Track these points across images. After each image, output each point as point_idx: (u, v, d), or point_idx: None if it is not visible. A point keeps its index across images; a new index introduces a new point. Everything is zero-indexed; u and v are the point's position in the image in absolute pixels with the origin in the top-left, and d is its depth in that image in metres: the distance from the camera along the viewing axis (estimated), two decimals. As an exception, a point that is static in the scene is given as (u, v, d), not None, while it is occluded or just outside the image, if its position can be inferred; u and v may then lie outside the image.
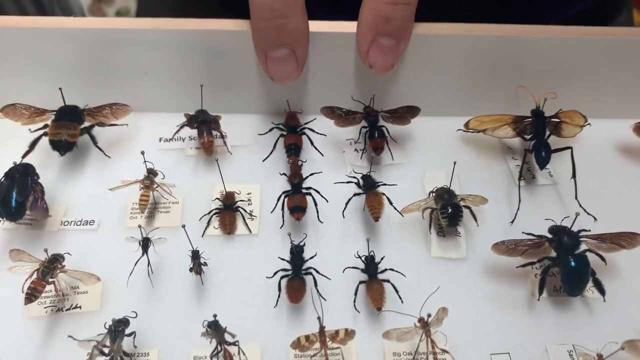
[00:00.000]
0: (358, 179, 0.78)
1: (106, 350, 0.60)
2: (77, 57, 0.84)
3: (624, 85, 0.89)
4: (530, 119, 0.83)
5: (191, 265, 0.70)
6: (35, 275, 0.66)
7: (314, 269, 0.71)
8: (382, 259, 0.72)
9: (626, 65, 0.86)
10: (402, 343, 0.65)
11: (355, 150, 0.87)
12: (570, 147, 0.80)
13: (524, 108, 0.84)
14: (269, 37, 0.72)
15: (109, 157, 0.84)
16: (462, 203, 0.76)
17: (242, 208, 0.78)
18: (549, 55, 0.85)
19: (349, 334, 0.62)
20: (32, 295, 0.64)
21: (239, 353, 0.61)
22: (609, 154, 0.88)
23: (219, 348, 0.61)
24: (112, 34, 0.82)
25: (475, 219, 0.76)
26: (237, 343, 0.61)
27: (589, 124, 0.84)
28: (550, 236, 0.71)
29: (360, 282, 0.70)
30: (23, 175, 0.74)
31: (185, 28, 0.81)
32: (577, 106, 0.84)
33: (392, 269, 0.71)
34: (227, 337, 0.61)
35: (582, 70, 0.87)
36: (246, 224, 0.77)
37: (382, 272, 0.71)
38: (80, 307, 0.70)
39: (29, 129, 0.84)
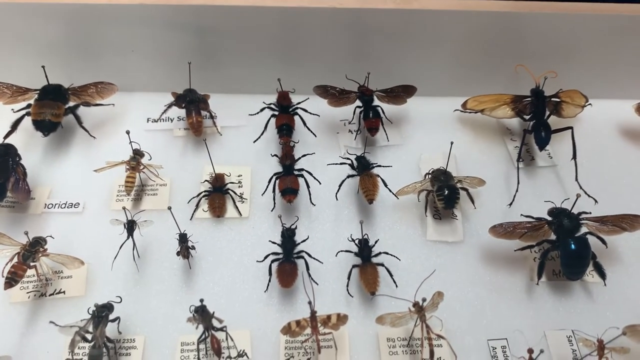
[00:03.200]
0: (352, 161, 0.76)
1: (89, 336, 0.58)
2: (61, 34, 0.81)
3: (627, 64, 0.87)
4: (529, 99, 0.81)
5: (179, 249, 0.67)
6: (15, 259, 0.63)
7: (305, 252, 0.69)
8: (376, 242, 0.70)
9: (630, 44, 0.84)
10: (397, 328, 0.63)
11: (350, 131, 0.84)
12: (571, 127, 0.78)
13: (524, 88, 0.82)
14: None
15: (94, 137, 0.81)
16: (459, 185, 0.74)
17: (232, 190, 0.76)
18: (549, 33, 0.83)
19: (342, 319, 0.60)
20: (12, 279, 0.62)
21: (227, 339, 0.59)
22: (610, 134, 0.86)
23: (207, 334, 0.58)
24: (98, 9, 0.79)
25: (473, 202, 0.74)
26: (225, 329, 0.59)
27: (590, 104, 0.82)
28: (549, 219, 0.69)
29: (354, 266, 0.68)
30: (3, 156, 0.71)
31: (173, 3, 0.78)
32: (578, 86, 0.81)
33: (386, 253, 0.69)
34: (215, 323, 0.59)
35: (584, 49, 0.85)
36: (236, 207, 0.75)
37: (376, 255, 0.69)
38: (64, 292, 0.68)
39: (12, 109, 0.81)
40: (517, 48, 0.84)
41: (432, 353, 0.59)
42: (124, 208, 0.69)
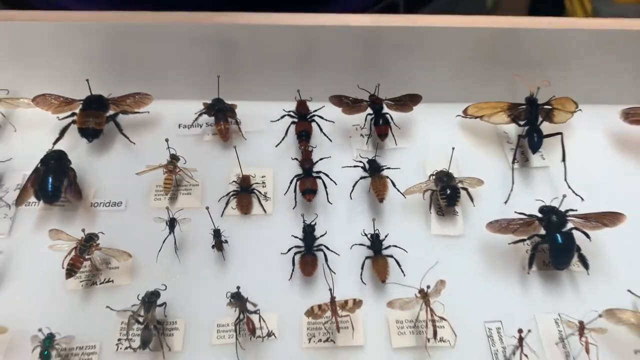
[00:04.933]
0: (364, 163, 0.85)
1: (141, 319, 0.68)
2: (101, 50, 0.90)
3: (613, 72, 0.95)
4: (524, 106, 0.89)
5: (213, 243, 0.77)
6: (73, 253, 0.73)
7: (324, 245, 0.78)
8: (386, 236, 0.79)
9: (615, 54, 0.92)
10: (404, 312, 0.72)
11: (361, 135, 0.93)
12: (561, 133, 0.87)
13: (520, 96, 0.90)
14: None
15: (133, 143, 0.90)
16: (459, 185, 0.82)
17: (257, 190, 0.85)
18: (543, 46, 0.92)
19: (357, 303, 0.70)
20: (71, 270, 0.72)
21: (259, 320, 0.69)
22: (598, 138, 0.94)
23: (242, 316, 0.68)
24: (134, 28, 0.88)
25: (472, 200, 0.83)
26: (258, 312, 0.68)
27: (580, 109, 0.90)
28: (540, 215, 0.78)
29: (367, 258, 0.77)
30: (58, 161, 0.80)
31: (203, 22, 0.87)
32: (569, 93, 0.90)
33: (395, 246, 0.78)
34: (249, 307, 0.68)
35: (574, 60, 0.93)
36: (261, 205, 0.84)
37: (386, 248, 0.78)
38: (112, 281, 0.77)
39: (57, 117, 0.91)
40: (514, 60, 0.92)
41: (435, 333, 0.68)
42: (167, 208, 0.78)
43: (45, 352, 0.66)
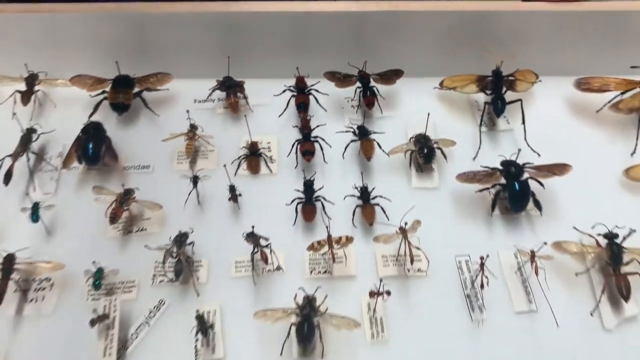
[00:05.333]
0: (354, 129, 1.00)
1: (174, 254, 0.83)
2: (126, 36, 1.05)
3: (568, 48, 1.10)
4: (490, 78, 1.04)
5: (229, 196, 0.92)
6: (114, 204, 0.88)
7: (321, 197, 0.93)
8: (373, 189, 0.94)
9: (569, 33, 1.08)
10: (388, 247, 0.88)
11: (352, 106, 1.08)
12: (520, 100, 1.02)
13: (487, 69, 1.05)
14: None
15: (158, 115, 1.05)
16: (435, 145, 0.98)
17: (264, 154, 1.00)
18: (508, 26, 1.07)
19: (349, 239, 0.85)
20: (113, 218, 0.87)
21: (270, 253, 0.84)
22: (555, 104, 1.10)
23: (256, 249, 0.83)
24: (154, 16, 1.02)
25: (445, 157, 0.99)
26: (269, 245, 0.84)
27: (540, 80, 1.05)
28: (500, 168, 0.93)
29: (357, 206, 0.93)
30: (96, 130, 0.95)
31: (214, 10, 1.02)
32: (530, 66, 1.05)
33: (380, 196, 0.94)
34: (262, 242, 0.83)
35: (535, 37, 1.08)
36: (268, 166, 0.99)
37: (373, 198, 0.93)
38: (145, 229, 0.92)
39: (90, 95, 1.05)
40: (483, 38, 1.07)
41: (412, 260, 0.84)
42: (191, 167, 0.94)
43: (97, 282, 0.81)
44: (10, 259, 0.82)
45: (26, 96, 1.02)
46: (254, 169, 0.99)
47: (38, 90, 1.04)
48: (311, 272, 0.88)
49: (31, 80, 1.04)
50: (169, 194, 0.95)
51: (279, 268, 0.87)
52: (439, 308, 0.85)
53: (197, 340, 0.81)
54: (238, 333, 0.82)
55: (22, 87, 1.03)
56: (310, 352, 0.79)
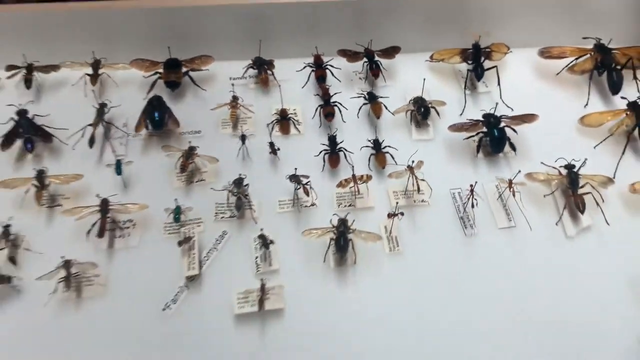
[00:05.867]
0: (365, 95, 1.24)
1: (235, 192, 1.06)
2: (176, 25, 1.27)
3: (534, 23, 1.35)
4: (471, 50, 1.29)
5: (270, 151, 1.15)
6: (182, 159, 1.11)
7: (343, 148, 1.17)
8: (382, 141, 1.18)
9: (537, 11, 1.33)
10: (398, 184, 1.12)
11: (360, 78, 1.32)
12: (496, 66, 1.27)
13: (469, 43, 1.30)
14: None
15: (204, 90, 1.28)
16: (430, 105, 1.22)
17: (292, 118, 1.23)
18: (485, 6, 1.31)
19: (369, 177, 1.09)
20: (183, 169, 1.10)
21: (309, 188, 1.08)
22: (524, 70, 1.35)
23: (298, 186, 1.07)
24: (196, 10, 1.25)
25: (438, 114, 1.23)
26: (309, 183, 1.07)
27: (511, 51, 1.31)
28: (482, 119, 1.18)
29: (371, 154, 1.17)
30: (159, 101, 1.18)
31: (245, 3, 1.25)
32: (503, 40, 1.30)
33: (389, 146, 1.18)
34: (303, 180, 1.07)
35: (508, 16, 1.34)
36: (296, 128, 1.23)
37: (383, 148, 1.17)
38: (204, 180, 1.15)
39: (143, 76, 1.28)
40: (464, 17, 1.32)
41: (418, 189, 1.09)
42: (241, 128, 1.17)
43: (177, 216, 1.04)
44: (106, 202, 1.04)
45: (94, 78, 1.24)
46: (285, 130, 1.22)
47: (102, 73, 1.26)
48: (339, 205, 1.12)
49: (96, 65, 1.25)
50: (218, 153, 1.17)
51: (313, 204, 1.11)
52: (440, 228, 1.10)
53: (257, 257, 1.04)
54: (287, 251, 1.05)
55: (90, 71, 1.25)
56: (344, 261, 1.03)
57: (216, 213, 1.10)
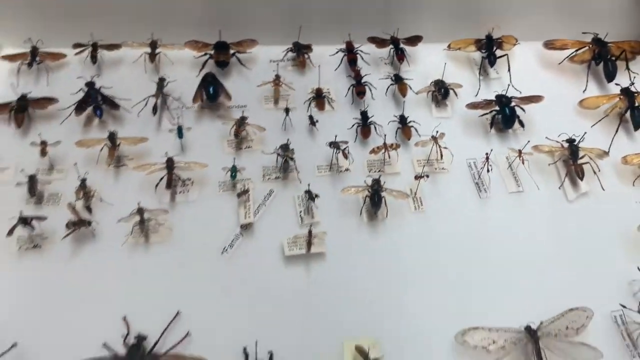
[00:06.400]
0: (392, 77, 1.41)
1: (282, 153, 1.22)
2: (225, 11, 1.43)
3: (539, 19, 1.52)
4: (485, 40, 1.46)
5: (309, 122, 1.32)
6: (235, 127, 1.27)
7: (373, 122, 1.33)
8: (407, 117, 1.35)
9: (542, 8, 1.50)
10: (422, 152, 1.29)
11: (385, 64, 1.49)
12: (506, 54, 1.44)
13: (482, 34, 1.47)
14: None
15: (249, 69, 1.44)
16: (448, 87, 1.39)
17: (327, 96, 1.40)
18: (498, 4, 1.49)
19: (397, 145, 1.26)
20: (236, 135, 1.26)
21: (348, 153, 1.24)
22: (529, 58, 1.52)
23: (337, 150, 1.23)
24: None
25: (456, 95, 1.40)
26: (347, 148, 1.24)
27: (519, 43, 1.48)
28: (495, 99, 1.35)
29: (398, 128, 1.33)
30: (212, 77, 1.34)
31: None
32: (513, 33, 1.47)
33: (413, 121, 1.34)
34: (342, 145, 1.23)
35: (517, 12, 1.51)
36: (330, 105, 1.39)
37: (408, 122, 1.34)
38: (251, 147, 1.31)
39: (194, 56, 1.43)
40: (478, 12, 1.49)
41: (442, 156, 1.26)
42: (286, 104, 1.33)
43: (234, 174, 1.20)
44: (171, 160, 1.20)
45: (152, 57, 1.40)
46: (320, 107, 1.38)
47: (159, 52, 1.42)
48: (369, 171, 1.28)
49: (154, 45, 1.41)
50: (264, 122, 1.31)
51: (347, 169, 1.27)
52: (457, 191, 1.27)
53: (301, 211, 1.20)
54: (326, 209, 1.21)
55: (148, 50, 1.41)
56: (376, 216, 1.19)
57: (263, 175, 1.26)
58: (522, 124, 1.35)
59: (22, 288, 1.09)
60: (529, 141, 1.29)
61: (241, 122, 1.27)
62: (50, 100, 1.30)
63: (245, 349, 1.02)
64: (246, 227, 1.17)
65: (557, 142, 1.30)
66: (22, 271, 1.11)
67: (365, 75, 1.41)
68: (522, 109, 1.35)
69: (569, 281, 1.13)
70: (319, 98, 1.38)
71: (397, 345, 1.04)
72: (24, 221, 1.09)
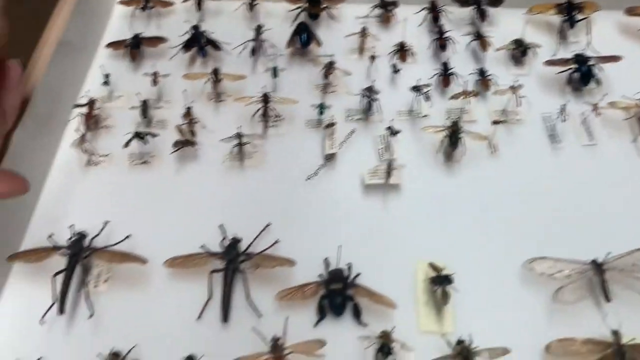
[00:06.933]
0: (474, 34, 1.48)
1: (367, 96, 1.32)
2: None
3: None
4: (565, 4, 1.51)
5: (393, 70, 1.41)
6: (324, 70, 1.38)
7: (454, 72, 1.41)
8: (487, 71, 1.42)
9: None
10: (497, 104, 1.36)
11: (466, 24, 1.56)
12: (586, 18, 1.49)
13: (563, -1, 1.53)
14: None
15: (338, 22, 1.55)
16: (528, 46, 1.45)
17: (410, 49, 1.48)
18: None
19: (476, 93, 1.34)
20: (325, 76, 1.37)
21: (429, 96, 1.33)
22: (609, 24, 1.56)
23: (419, 94, 1.32)
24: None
25: (534, 54, 1.46)
26: (429, 91, 1.33)
27: (600, 9, 1.52)
28: (573, 57, 1.41)
29: (477, 80, 1.41)
30: (305, 25, 1.46)
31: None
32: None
33: (492, 74, 1.41)
34: (424, 89, 1.32)
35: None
36: (412, 57, 1.48)
37: (487, 75, 1.41)
38: (335, 91, 1.41)
39: (287, 10, 1.55)
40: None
41: (519, 104, 1.32)
42: (372, 53, 1.43)
43: (322, 110, 1.31)
44: (267, 95, 1.32)
45: (250, 7, 1.53)
46: (403, 58, 1.47)
47: (257, 4, 1.55)
48: (447, 118, 1.36)
49: (252, -4, 1.55)
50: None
51: (425, 115, 1.36)
52: (532, 141, 1.33)
53: (380, 148, 1.30)
54: (404, 148, 1.30)
55: (247, 0, 1.54)
56: (452, 157, 1.28)
57: (347, 116, 1.36)
58: (598, 82, 1.39)
59: (133, 195, 1.23)
60: (606, 94, 1.33)
61: (330, 66, 1.38)
62: (160, 39, 1.45)
63: (326, 259, 1.12)
64: (329, 158, 1.28)
65: (634, 100, 1.34)
66: (133, 182, 1.25)
67: (447, 31, 1.49)
68: (599, 68, 1.40)
69: (637, 231, 1.18)
70: (402, 50, 1.47)
71: (467, 269, 1.11)
72: (139, 135, 1.23)
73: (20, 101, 1.09)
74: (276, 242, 1.14)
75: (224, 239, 1.13)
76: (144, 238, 1.14)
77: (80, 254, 1.04)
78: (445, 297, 1.04)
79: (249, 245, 1.12)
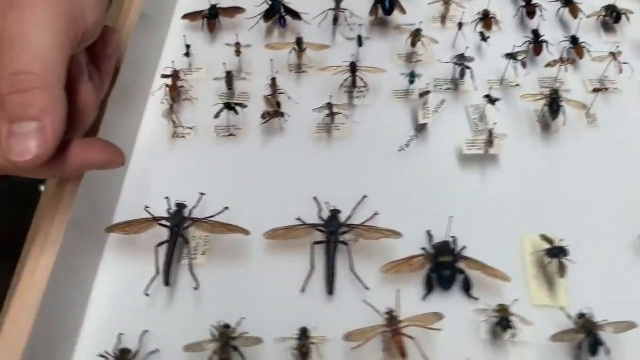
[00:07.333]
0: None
1: (459, 64, 1.27)
2: None
3: None
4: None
5: (481, 39, 1.36)
6: (411, 38, 1.33)
7: (545, 40, 1.35)
8: (579, 38, 1.36)
9: None
10: (593, 72, 1.30)
11: (550, -9, 1.50)
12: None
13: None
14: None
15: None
16: (621, 12, 1.38)
17: (494, 18, 1.42)
18: None
19: (572, 61, 1.28)
20: (413, 44, 1.32)
21: (524, 60, 1.27)
22: None
23: (515, 61, 1.27)
24: None
25: (628, 19, 1.39)
26: (525, 59, 1.27)
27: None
28: None
29: (569, 48, 1.34)
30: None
31: None
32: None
33: (584, 42, 1.35)
34: (519, 56, 1.27)
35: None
36: (498, 25, 1.42)
37: (580, 43, 1.34)
38: (421, 60, 1.36)
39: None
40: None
41: (621, 71, 1.26)
42: (458, 20, 1.38)
43: (412, 79, 1.26)
44: (354, 63, 1.27)
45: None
46: (488, 27, 1.40)
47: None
48: (540, 87, 1.30)
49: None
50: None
51: (517, 85, 1.30)
52: (632, 110, 1.27)
53: (475, 118, 1.25)
54: (498, 116, 1.25)
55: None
56: (549, 127, 1.22)
57: (435, 86, 1.31)
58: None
59: (221, 168, 1.21)
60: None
61: (417, 34, 1.33)
62: (238, 10, 1.41)
63: (429, 232, 1.08)
64: (421, 129, 1.23)
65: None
66: (220, 154, 1.23)
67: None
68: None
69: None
70: (486, 19, 1.42)
71: (574, 241, 1.06)
72: (228, 106, 1.20)
73: (114, 69, 1.07)
74: (376, 214, 1.10)
75: (320, 210, 1.09)
76: (236, 210, 1.10)
77: (181, 225, 1.01)
78: (562, 269, 0.99)
79: (349, 217, 1.08)
